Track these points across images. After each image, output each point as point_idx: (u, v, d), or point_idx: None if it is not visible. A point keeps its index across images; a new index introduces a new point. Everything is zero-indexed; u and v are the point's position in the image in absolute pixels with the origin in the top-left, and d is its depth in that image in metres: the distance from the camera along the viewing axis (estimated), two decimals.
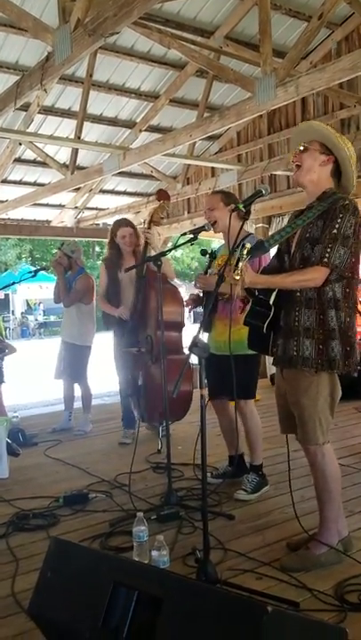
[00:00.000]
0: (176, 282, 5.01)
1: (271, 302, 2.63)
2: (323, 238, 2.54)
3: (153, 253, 4.01)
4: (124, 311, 4.76)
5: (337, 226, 2.52)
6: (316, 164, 2.68)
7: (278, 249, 2.76)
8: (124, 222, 4.99)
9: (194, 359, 2.63)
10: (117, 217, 9.67)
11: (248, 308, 2.78)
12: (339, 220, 2.52)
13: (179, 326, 4.41)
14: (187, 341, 4.24)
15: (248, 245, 2.43)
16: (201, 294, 3.85)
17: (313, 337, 2.59)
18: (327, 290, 2.57)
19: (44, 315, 25.29)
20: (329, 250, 2.51)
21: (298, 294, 2.63)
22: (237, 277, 2.40)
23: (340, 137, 2.72)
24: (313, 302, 2.60)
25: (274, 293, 2.63)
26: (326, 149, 2.67)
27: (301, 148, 2.68)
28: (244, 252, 2.41)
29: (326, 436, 2.68)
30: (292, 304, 2.65)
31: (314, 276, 2.54)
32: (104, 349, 5.28)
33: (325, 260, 2.51)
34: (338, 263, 2.51)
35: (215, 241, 11.28)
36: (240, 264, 2.39)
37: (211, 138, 8.00)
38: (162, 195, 4.34)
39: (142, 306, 4.49)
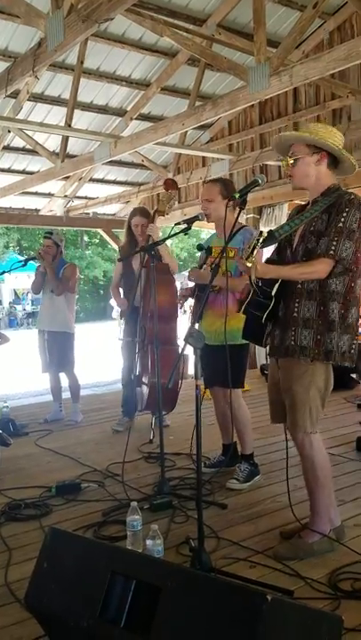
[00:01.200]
0: None
1: (273, 293, 2.64)
2: (328, 231, 2.57)
3: None
4: (123, 303, 4.79)
5: (343, 219, 2.55)
6: (310, 168, 2.69)
7: (279, 242, 2.75)
8: (140, 211, 4.91)
9: (188, 349, 2.62)
10: (107, 206, 9.66)
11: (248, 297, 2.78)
12: (345, 214, 2.55)
13: (171, 317, 4.41)
14: (180, 332, 4.24)
15: (265, 232, 2.44)
16: (192, 286, 3.85)
17: (312, 327, 2.61)
18: (330, 282, 2.59)
19: (32, 305, 25.17)
20: (335, 242, 2.54)
21: (299, 286, 2.65)
22: (250, 265, 2.41)
23: (323, 127, 2.74)
24: (314, 294, 2.62)
25: (276, 285, 2.64)
26: (315, 147, 2.67)
27: (292, 161, 2.69)
28: (260, 239, 2.42)
29: (315, 425, 2.70)
30: (293, 295, 2.67)
31: (319, 268, 2.57)
32: (93, 340, 5.27)
33: (332, 252, 2.53)
34: (344, 256, 2.54)
35: (205, 231, 11.26)
36: (255, 251, 2.39)
37: (202, 127, 7.95)
38: (169, 184, 4.24)
39: (141, 295, 4.50)
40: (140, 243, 4.81)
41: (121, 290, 5.02)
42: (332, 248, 2.53)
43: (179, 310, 4.44)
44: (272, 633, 1.49)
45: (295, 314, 2.65)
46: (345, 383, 6.22)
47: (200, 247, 3.67)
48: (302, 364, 2.65)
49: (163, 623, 1.61)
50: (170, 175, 8.23)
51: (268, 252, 3.44)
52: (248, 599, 1.50)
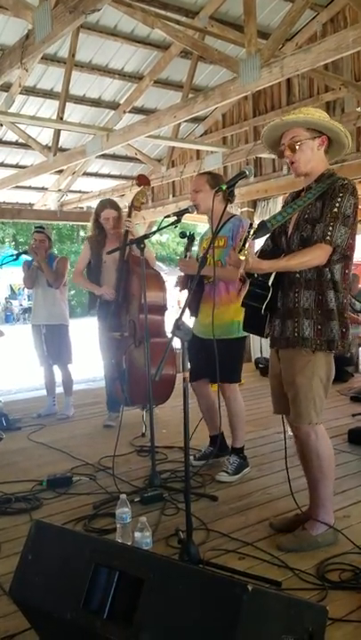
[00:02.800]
0: (161, 266, 5.01)
1: (270, 284, 2.61)
2: (323, 217, 2.53)
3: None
4: (108, 290, 4.65)
5: (337, 205, 2.51)
6: (313, 153, 2.63)
7: (273, 231, 2.71)
8: (109, 203, 4.87)
9: (177, 342, 2.61)
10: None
11: (246, 289, 2.77)
12: (339, 199, 2.51)
13: (161, 310, 4.40)
14: (169, 325, 4.22)
15: (255, 224, 2.43)
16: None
17: (312, 317, 2.59)
18: (326, 271, 2.56)
19: (29, 300, 25.11)
20: (331, 228, 2.49)
21: (297, 275, 2.61)
22: (242, 258, 2.39)
23: (314, 110, 2.69)
24: (312, 283, 2.59)
25: (273, 275, 2.61)
26: (315, 131, 2.62)
27: (297, 146, 2.61)
28: (251, 232, 2.40)
29: (320, 416, 2.68)
30: (291, 285, 2.64)
31: (318, 254, 2.52)
32: (87, 334, 5.26)
33: (328, 237, 2.49)
34: (340, 242, 2.51)
35: (200, 225, 11.24)
36: (247, 244, 2.37)
37: (196, 120, 7.94)
38: (142, 180, 4.30)
39: (124, 290, 4.47)
40: (110, 235, 4.80)
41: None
42: (329, 234, 2.49)
43: (167, 303, 4.43)
44: (253, 623, 1.49)
45: (296, 304, 2.62)
46: (339, 375, 6.22)
47: (183, 235, 3.66)
48: (304, 354, 2.62)
49: (145, 614, 1.61)
50: (163, 169, 8.22)
51: (260, 241, 3.43)
52: (229, 589, 1.50)
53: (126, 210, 4.70)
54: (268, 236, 2.78)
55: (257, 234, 2.47)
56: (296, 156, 2.63)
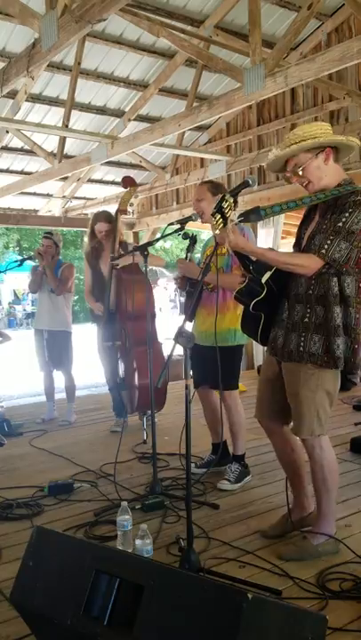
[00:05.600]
0: (165, 272, 5.02)
1: (263, 281, 2.59)
2: (326, 229, 2.50)
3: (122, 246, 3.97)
4: (97, 306, 4.80)
5: (343, 219, 2.46)
6: (321, 169, 2.58)
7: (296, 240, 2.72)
8: (102, 217, 4.89)
9: (178, 349, 2.61)
10: (105, 207, 9.66)
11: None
12: (347, 215, 2.46)
13: (150, 316, 4.41)
14: (164, 331, 4.22)
15: (228, 196, 2.37)
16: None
17: (319, 333, 2.55)
18: (333, 285, 2.50)
19: (32, 305, 25.17)
20: (329, 242, 2.46)
21: (309, 292, 2.57)
22: (217, 231, 2.35)
23: (309, 126, 2.61)
24: (321, 299, 2.54)
25: (268, 273, 2.58)
26: (316, 148, 2.57)
27: (300, 172, 2.58)
28: (230, 202, 2.32)
29: (324, 428, 2.66)
30: (298, 298, 2.61)
31: (305, 263, 2.50)
32: (89, 340, 5.27)
33: (323, 251, 2.46)
34: (337, 257, 2.45)
35: (204, 232, 11.26)
36: (225, 219, 2.32)
37: (200, 128, 7.96)
38: (127, 181, 4.30)
39: (116, 298, 4.51)
40: (105, 247, 4.85)
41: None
42: (325, 247, 2.45)
43: (156, 309, 4.44)
44: (252, 631, 1.50)
45: (303, 318, 2.59)
46: (342, 384, 6.18)
47: (186, 236, 3.66)
48: (309, 367, 2.59)
49: (145, 621, 1.62)
50: (167, 176, 8.26)
51: (261, 243, 3.39)
52: (229, 598, 1.50)
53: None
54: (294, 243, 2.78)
55: (247, 216, 2.43)
56: (304, 178, 2.60)
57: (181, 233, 3.43)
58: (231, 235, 2.42)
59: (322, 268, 2.50)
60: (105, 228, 4.78)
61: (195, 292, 2.92)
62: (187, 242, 3.50)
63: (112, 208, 10.03)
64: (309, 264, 2.50)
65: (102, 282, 4.82)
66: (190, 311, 2.87)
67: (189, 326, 3.54)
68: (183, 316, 2.57)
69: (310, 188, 2.62)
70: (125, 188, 4.27)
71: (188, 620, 1.55)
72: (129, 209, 4.29)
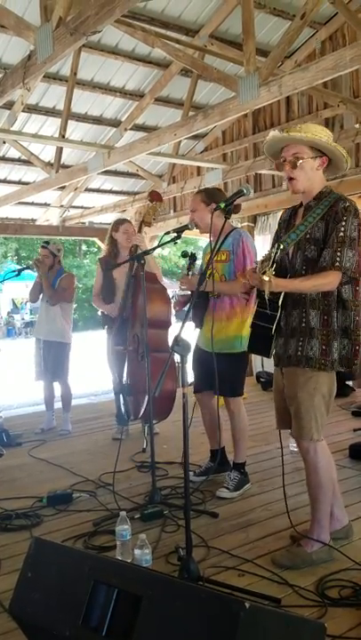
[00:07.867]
0: (164, 281, 5.05)
1: (280, 303, 2.63)
2: (330, 242, 2.55)
3: None
4: (109, 307, 4.84)
5: (343, 229, 2.53)
6: (312, 173, 2.65)
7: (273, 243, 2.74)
8: (127, 220, 5.14)
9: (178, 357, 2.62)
10: (103, 215, 9.71)
11: (252, 300, 2.78)
12: (344, 224, 2.54)
13: (165, 324, 4.42)
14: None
15: (283, 246, 2.47)
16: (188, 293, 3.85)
17: (317, 337, 2.60)
18: (335, 291, 2.58)
19: (31, 314, 25.19)
20: (339, 254, 2.52)
21: (302, 295, 2.63)
22: (266, 279, 2.41)
23: (321, 128, 2.67)
24: (317, 303, 2.61)
25: (282, 294, 2.62)
26: (317, 151, 2.64)
27: (298, 164, 2.62)
28: (278, 253, 2.43)
29: (321, 432, 2.69)
30: (295, 304, 2.66)
31: (330, 280, 2.55)
32: (91, 349, 5.28)
33: (338, 264, 2.52)
34: (348, 266, 2.53)
35: (201, 240, 11.30)
36: (274, 265, 2.41)
37: (196, 137, 8.01)
38: (154, 196, 4.35)
39: (131, 304, 4.52)
40: (121, 253, 4.90)
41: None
42: (338, 259, 2.52)
43: (172, 318, 4.44)
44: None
45: (300, 323, 2.64)
46: (341, 390, 6.22)
47: (185, 254, 3.68)
48: (307, 371, 2.63)
49: (143, 631, 1.62)
50: (164, 185, 8.29)
51: (258, 249, 3.43)
52: (226, 607, 1.50)
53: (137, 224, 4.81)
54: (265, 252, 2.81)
55: (280, 254, 2.51)
56: (296, 172, 2.64)
57: (181, 251, 3.45)
58: (273, 279, 2.45)
59: (342, 278, 2.56)
60: (132, 229, 4.93)
61: (199, 301, 2.93)
62: (183, 245, 3.51)
63: (109, 217, 10.13)
64: (332, 280, 2.55)
65: (111, 287, 4.92)
66: (197, 318, 2.88)
67: (193, 332, 3.57)
68: (180, 324, 2.56)
69: (293, 185, 2.68)
70: (152, 202, 4.31)
71: (185, 629, 1.55)
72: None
